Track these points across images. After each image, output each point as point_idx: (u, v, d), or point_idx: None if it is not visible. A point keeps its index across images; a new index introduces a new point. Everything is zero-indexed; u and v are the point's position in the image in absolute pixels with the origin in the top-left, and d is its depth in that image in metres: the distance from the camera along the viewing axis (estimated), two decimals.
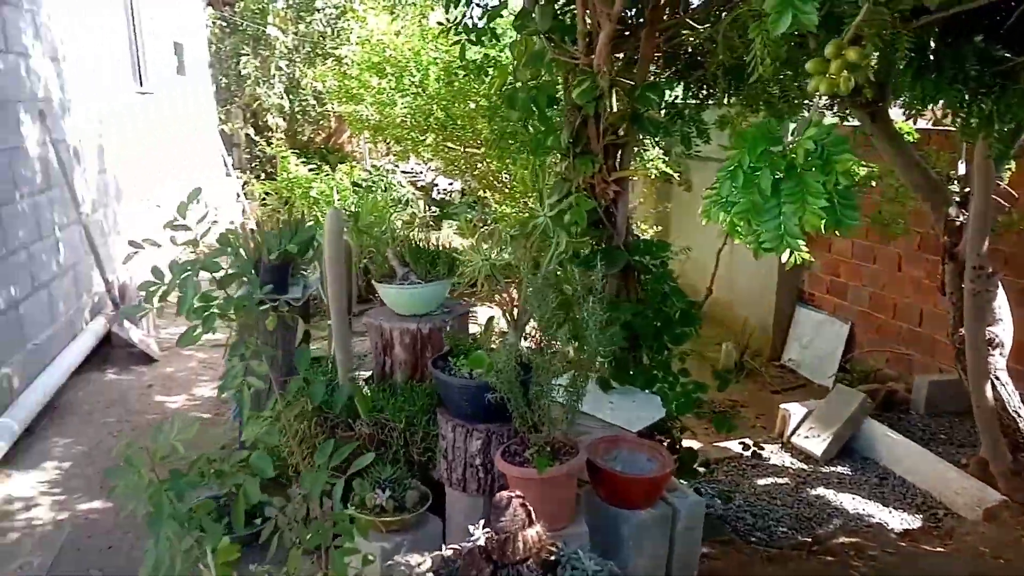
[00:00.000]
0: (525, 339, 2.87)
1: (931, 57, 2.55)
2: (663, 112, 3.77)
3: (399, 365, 3.20)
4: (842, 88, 1.61)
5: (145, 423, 4.85)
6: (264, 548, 2.22)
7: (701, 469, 3.78)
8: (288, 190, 8.32)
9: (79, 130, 6.32)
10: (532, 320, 2.77)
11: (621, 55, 3.45)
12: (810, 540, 3.99)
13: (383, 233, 3.39)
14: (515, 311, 2.97)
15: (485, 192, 7.83)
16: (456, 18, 3.73)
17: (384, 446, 3.02)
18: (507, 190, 7.33)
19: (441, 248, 3.45)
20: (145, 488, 2.09)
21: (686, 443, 3.73)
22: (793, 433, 5.36)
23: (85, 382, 5.50)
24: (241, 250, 3.40)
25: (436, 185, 11.80)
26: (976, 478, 4.35)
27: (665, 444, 3.38)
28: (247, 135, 13.11)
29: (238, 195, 11.71)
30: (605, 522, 2.67)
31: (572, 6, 3.30)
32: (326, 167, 9.07)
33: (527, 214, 4.75)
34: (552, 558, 2.16)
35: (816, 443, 5.16)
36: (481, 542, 2.11)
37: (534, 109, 3.29)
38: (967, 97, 2.66)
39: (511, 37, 4.50)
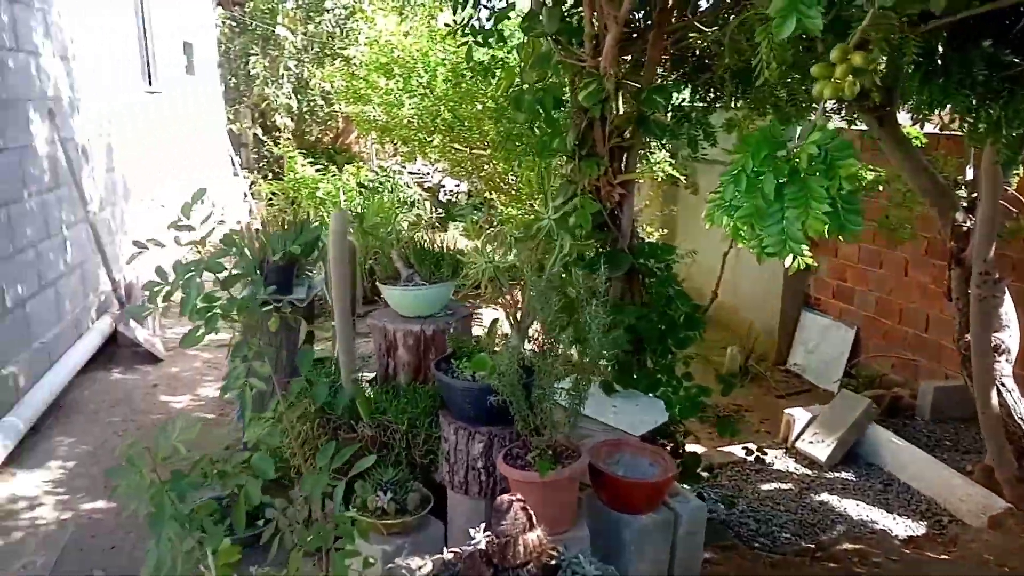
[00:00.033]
0: (528, 342, 2.87)
1: (939, 62, 2.54)
2: (669, 115, 3.76)
3: (402, 367, 3.20)
4: (847, 93, 1.60)
5: (150, 423, 4.86)
6: (265, 550, 2.22)
7: (704, 474, 3.76)
8: (295, 190, 8.35)
9: (88, 129, 6.34)
10: (536, 323, 2.77)
11: (628, 57, 3.44)
12: (814, 546, 3.97)
13: (388, 234, 3.39)
14: (519, 313, 2.97)
15: (492, 194, 7.82)
16: (464, 20, 3.73)
17: (386, 448, 3.02)
18: (513, 192, 7.32)
19: (446, 250, 3.45)
20: (147, 488, 2.08)
21: (689, 447, 3.72)
22: (797, 438, 5.33)
23: (91, 381, 5.51)
24: (246, 250, 3.41)
25: (443, 186, 11.82)
26: (981, 485, 4.33)
27: (668, 448, 3.37)
28: (255, 135, 13.15)
29: (245, 195, 11.75)
30: (607, 526, 2.67)
31: (579, 8, 3.29)
32: (333, 167, 9.09)
33: (532, 216, 4.74)
34: (553, 562, 2.15)
35: (820, 448, 5.14)
36: (482, 546, 2.10)
37: (540, 111, 3.29)
38: (975, 102, 2.64)
39: (518, 39, 4.50)
